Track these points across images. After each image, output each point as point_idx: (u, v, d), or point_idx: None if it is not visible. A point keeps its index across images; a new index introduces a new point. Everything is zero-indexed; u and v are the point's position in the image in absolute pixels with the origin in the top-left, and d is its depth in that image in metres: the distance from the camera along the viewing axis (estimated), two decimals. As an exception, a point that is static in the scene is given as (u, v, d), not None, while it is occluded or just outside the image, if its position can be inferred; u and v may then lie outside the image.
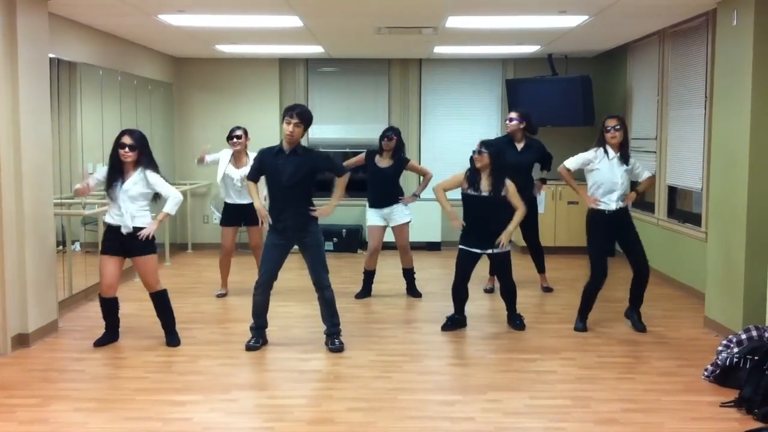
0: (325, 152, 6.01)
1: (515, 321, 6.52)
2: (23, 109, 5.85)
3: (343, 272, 8.35)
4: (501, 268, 6.41)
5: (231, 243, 7.63)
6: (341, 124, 10.82)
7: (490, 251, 6.31)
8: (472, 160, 6.32)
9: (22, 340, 5.88)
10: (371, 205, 7.59)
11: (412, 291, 7.71)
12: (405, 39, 8.61)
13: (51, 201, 6.40)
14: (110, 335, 6.07)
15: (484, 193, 6.20)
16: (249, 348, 5.91)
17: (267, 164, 5.85)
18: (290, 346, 6.03)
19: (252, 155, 7.40)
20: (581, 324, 6.47)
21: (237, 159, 7.53)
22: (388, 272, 8.31)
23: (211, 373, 5.37)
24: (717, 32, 6.52)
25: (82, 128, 7.84)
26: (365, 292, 7.64)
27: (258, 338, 5.99)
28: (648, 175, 6.53)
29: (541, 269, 7.99)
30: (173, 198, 5.87)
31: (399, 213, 7.50)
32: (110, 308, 6.02)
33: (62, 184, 7.17)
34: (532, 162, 7.70)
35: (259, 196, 6.03)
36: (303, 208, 5.82)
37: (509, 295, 6.52)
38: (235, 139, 7.48)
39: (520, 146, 7.60)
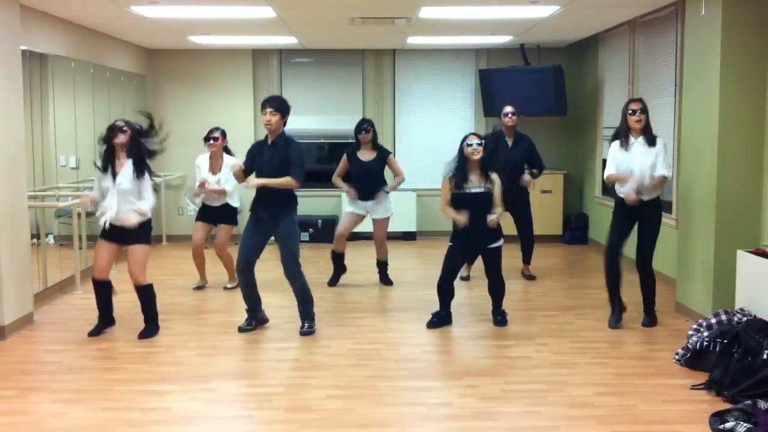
0: (300, 148, 5.97)
1: (497, 317, 6.31)
2: (-4, 101, 5.82)
3: (320, 263, 8.36)
4: (492, 263, 6.19)
5: (200, 239, 7.44)
6: (315, 115, 10.82)
7: (481, 248, 6.15)
8: (460, 155, 6.04)
9: (-2, 333, 5.87)
10: (357, 198, 7.55)
11: (385, 279, 7.76)
12: (378, 29, 8.63)
13: (25, 193, 6.37)
14: (104, 322, 6.12)
15: (475, 189, 5.98)
16: (240, 329, 6.15)
17: (254, 155, 5.99)
18: (267, 336, 6.07)
19: (228, 158, 7.33)
20: (614, 318, 6.21)
21: (213, 162, 7.33)
22: (364, 262, 8.35)
23: (189, 363, 5.39)
24: (686, 22, 6.62)
25: (55, 121, 7.79)
26: (337, 276, 7.72)
27: (250, 320, 6.20)
28: (662, 173, 5.94)
29: (526, 260, 8.08)
30: (147, 205, 5.87)
31: (382, 206, 7.51)
32: (102, 292, 6.05)
33: (35, 176, 7.13)
34: (524, 159, 7.74)
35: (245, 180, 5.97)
36: (279, 198, 5.90)
37: (498, 292, 6.31)
38: (211, 141, 7.29)
39: (510, 142, 7.61)
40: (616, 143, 6.07)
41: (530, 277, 8.04)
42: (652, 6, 7.57)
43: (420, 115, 10.95)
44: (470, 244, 6.16)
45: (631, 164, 5.92)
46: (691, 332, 5.38)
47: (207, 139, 7.35)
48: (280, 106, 5.87)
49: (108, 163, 5.85)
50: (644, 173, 5.88)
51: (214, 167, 7.34)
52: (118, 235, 5.90)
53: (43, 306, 6.85)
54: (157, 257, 9.24)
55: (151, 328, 6.06)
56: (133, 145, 5.81)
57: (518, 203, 7.59)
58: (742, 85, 5.95)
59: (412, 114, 10.95)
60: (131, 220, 5.76)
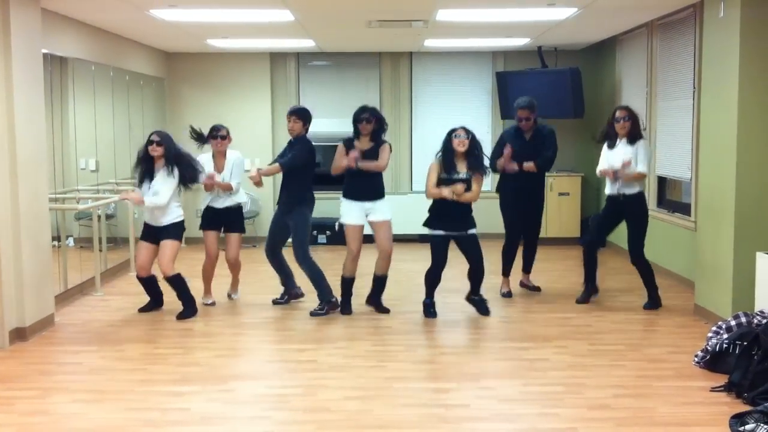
0: (304, 146, 6.74)
1: (481, 305, 6.63)
2: (18, 104, 5.87)
3: (336, 265, 8.34)
4: (470, 250, 6.45)
5: (215, 247, 6.99)
6: (333, 118, 10.79)
7: (458, 233, 6.41)
8: (447, 144, 6.36)
9: (19, 334, 5.91)
10: (350, 197, 6.61)
11: (377, 302, 6.81)
12: (396, 32, 8.65)
13: (46, 196, 6.43)
14: (154, 303, 6.84)
15: (461, 175, 6.33)
16: (274, 302, 7.02)
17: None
18: (285, 338, 6.11)
19: (231, 153, 6.94)
20: (582, 296, 7.04)
21: (217, 161, 6.87)
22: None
23: (208, 364, 5.42)
24: (704, 24, 6.59)
25: (75, 124, 7.87)
26: (347, 304, 6.76)
27: (284, 294, 7.05)
28: (640, 169, 6.60)
29: (527, 269, 7.54)
30: (156, 200, 6.42)
31: (382, 209, 6.63)
32: (147, 285, 6.76)
33: (55, 179, 7.20)
34: (542, 150, 7.18)
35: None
36: (293, 190, 6.70)
37: (477, 276, 6.56)
38: (219, 139, 6.83)
39: (528, 136, 7.19)
40: (605, 146, 6.87)
41: (534, 288, 7.51)
42: (670, 8, 7.55)
43: (437, 118, 10.92)
44: (445, 227, 6.42)
45: (614, 161, 6.70)
46: (710, 334, 5.35)
47: (214, 137, 6.86)
48: (302, 115, 6.75)
49: (146, 175, 6.52)
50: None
51: (219, 166, 6.86)
52: (154, 235, 6.55)
53: (64, 308, 6.91)
54: (176, 260, 9.28)
55: (187, 310, 6.63)
56: (167, 154, 6.44)
57: (532, 204, 7.33)
58: (761, 87, 5.92)
59: (429, 117, 10.96)
60: (134, 196, 6.47)
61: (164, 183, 6.40)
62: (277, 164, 6.72)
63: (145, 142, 6.54)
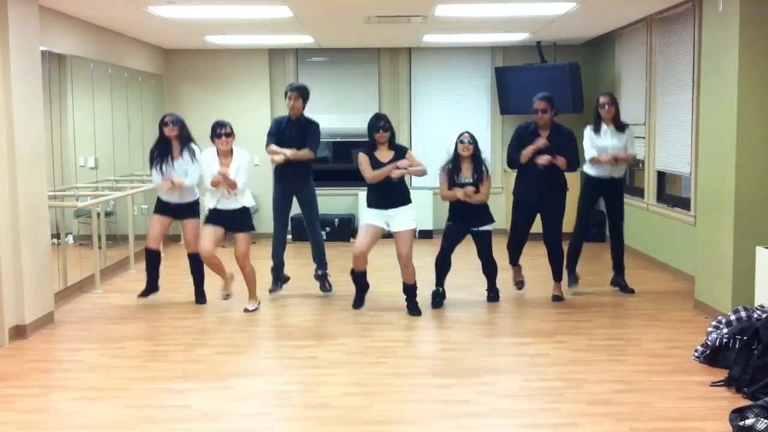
0: (318, 127, 7.13)
1: (490, 293, 7.04)
2: (16, 102, 5.87)
3: (336, 261, 8.35)
4: (483, 246, 6.82)
5: (211, 245, 6.51)
6: (331, 114, 10.82)
7: (474, 229, 6.77)
8: (456, 150, 6.78)
9: (19, 332, 5.91)
10: (373, 206, 6.54)
11: (414, 309, 6.63)
12: (394, 28, 8.64)
13: (45, 193, 6.42)
14: (151, 287, 6.96)
15: (467, 180, 6.72)
16: (270, 292, 7.14)
17: (279, 132, 6.94)
18: (285, 334, 6.11)
19: (238, 151, 6.54)
20: (572, 278, 7.30)
21: (223, 160, 6.51)
22: (381, 261, 8.33)
23: (208, 361, 5.42)
24: (703, 18, 6.58)
25: (74, 121, 7.86)
26: (361, 297, 6.82)
27: (276, 282, 7.18)
28: (631, 152, 7.26)
29: (557, 276, 7.06)
30: (188, 181, 6.83)
31: (404, 217, 6.50)
32: (153, 259, 6.92)
33: (54, 176, 7.19)
34: (561, 152, 6.72)
35: (282, 152, 6.83)
36: (301, 167, 6.95)
37: (490, 273, 6.98)
38: (224, 138, 6.45)
39: (545, 134, 6.77)
40: (589, 129, 7.21)
41: (558, 298, 6.98)
42: (669, 2, 7.53)
43: (436, 114, 10.95)
44: (463, 225, 6.80)
45: (605, 147, 7.08)
46: (710, 329, 5.35)
47: (218, 135, 6.46)
48: (303, 92, 6.99)
49: (164, 154, 6.78)
50: (617, 153, 7.10)
51: (224, 165, 6.48)
52: (171, 210, 6.89)
53: (64, 305, 6.91)
54: (175, 256, 9.28)
55: (201, 294, 7.01)
56: (182, 133, 6.81)
57: (548, 202, 6.88)
58: (761, 80, 5.91)
59: (428, 112, 10.96)
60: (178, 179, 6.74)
61: (191, 164, 6.78)
62: (309, 151, 6.92)
63: (159, 125, 6.85)
